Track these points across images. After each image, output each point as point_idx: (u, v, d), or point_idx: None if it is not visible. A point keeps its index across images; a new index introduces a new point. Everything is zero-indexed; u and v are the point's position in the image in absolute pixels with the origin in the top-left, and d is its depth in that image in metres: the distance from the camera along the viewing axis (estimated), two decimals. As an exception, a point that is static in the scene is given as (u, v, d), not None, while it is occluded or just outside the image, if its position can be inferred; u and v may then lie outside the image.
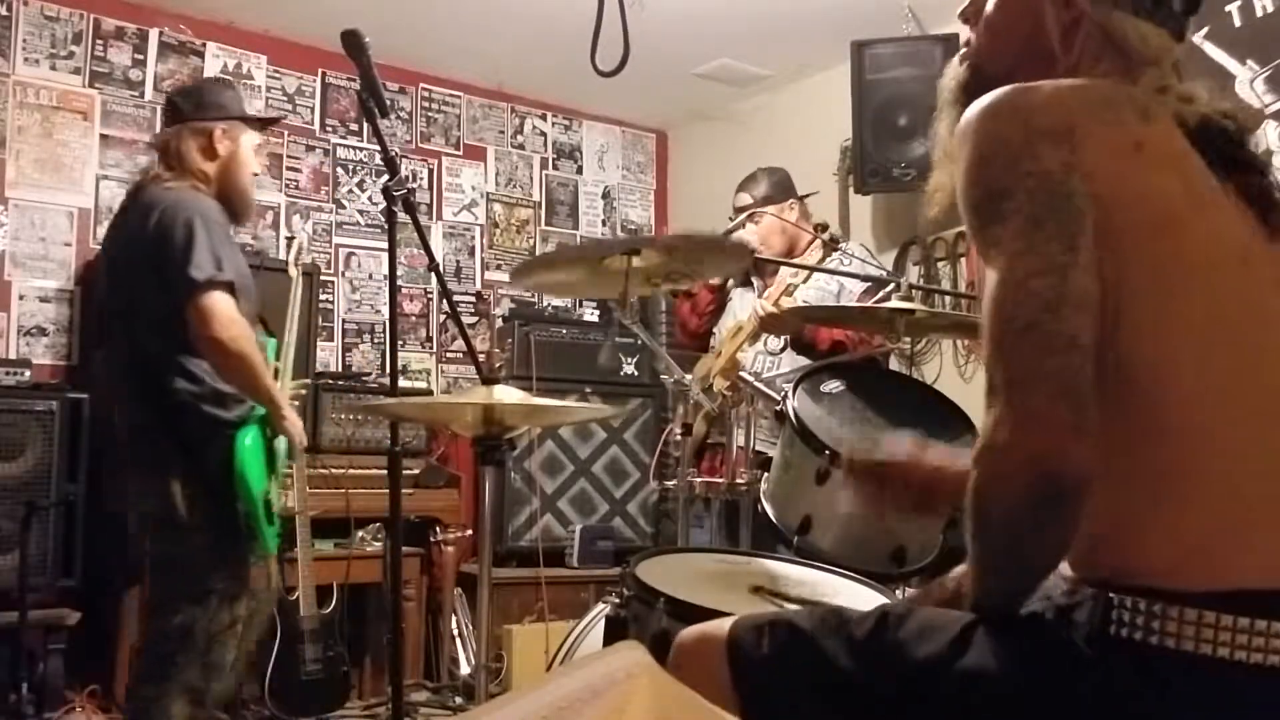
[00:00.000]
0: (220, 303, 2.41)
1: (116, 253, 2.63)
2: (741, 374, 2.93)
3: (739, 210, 3.52)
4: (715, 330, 3.61)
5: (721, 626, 1.27)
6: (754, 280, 3.51)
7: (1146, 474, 1.04)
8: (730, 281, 3.61)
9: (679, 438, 2.70)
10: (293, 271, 2.96)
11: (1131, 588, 1.02)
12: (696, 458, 3.17)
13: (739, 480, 2.49)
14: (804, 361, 3.13)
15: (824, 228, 3.16)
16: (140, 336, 2.52)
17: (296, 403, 2.80)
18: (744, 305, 3.48)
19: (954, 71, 1.32)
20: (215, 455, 2.48)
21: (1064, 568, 1.12)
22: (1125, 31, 1.19)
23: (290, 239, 3.13)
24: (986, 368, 1.05)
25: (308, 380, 2.79)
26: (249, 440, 2.51)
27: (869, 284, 3.20)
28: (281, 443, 2.65)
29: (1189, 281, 1.06)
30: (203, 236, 2.43)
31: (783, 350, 3.35)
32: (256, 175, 2.79)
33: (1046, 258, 1.02)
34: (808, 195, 3.60)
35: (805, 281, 3.13)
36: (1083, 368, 1.00)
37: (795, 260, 3.29)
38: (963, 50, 1.33)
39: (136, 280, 2.51)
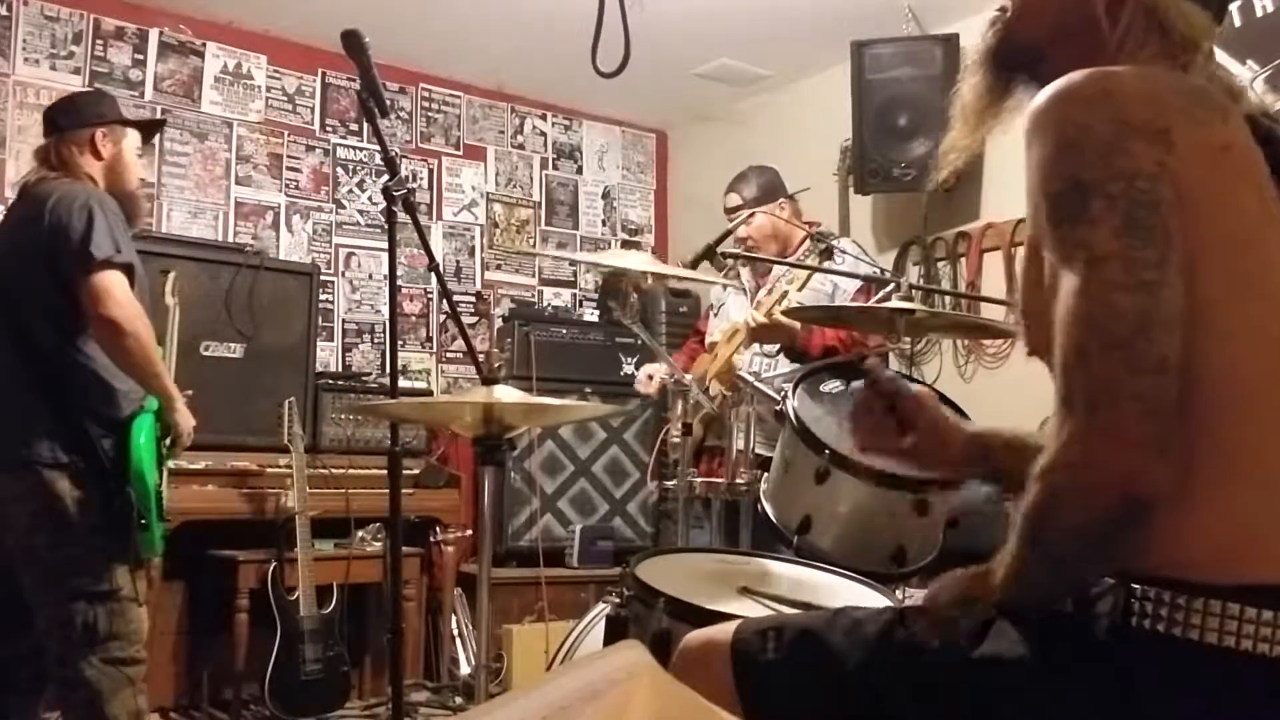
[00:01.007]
0: (117, 282, 2.40)
1: (4, 251, 2.58)
2: (741, 374, 2.93)
3: (729, 211, 3.51)
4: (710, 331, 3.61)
5: (726, 630, 1.27)
6: (745, 281, 3.50)
7: (1182, 474, 1.02)
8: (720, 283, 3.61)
9: (677, 438, 2.70)
10: (169, 301, 3.08)
11: (1154, 579, 1.01)
12: (695, 459, 3.16)
13: (739, 480, 2.49)
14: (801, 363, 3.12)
15: (820, 238, 3.12)
16: (30, 329, 2.49)
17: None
18: (738, 306, 3.46)
19: (982, 36, 1.26)
20: (109, 447, 2.46)
21: None
22: (1168, 9, 1.13)
23: (165, 271, 3.23)
24: (1063, 378, 1.00)
25: (189, 391, 2.83)
26: (143, 438, 2.50)
27: (863, 283, 3.19)
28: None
29: (1255, 296, 1.03)
30: (101, 220, 2.43)
31: (779, 352, 3.33)
32: (144, 181, 2.80)
33: (1140, 271, 0.97)
34: (798, 192, 3.60)
35: (801, 289, 3.11)
36: (1169, 388, 0.96)
37: (788, 259, 3.27)
38: (994, 14, 1.25)
39: (28, 273, 2.48)
